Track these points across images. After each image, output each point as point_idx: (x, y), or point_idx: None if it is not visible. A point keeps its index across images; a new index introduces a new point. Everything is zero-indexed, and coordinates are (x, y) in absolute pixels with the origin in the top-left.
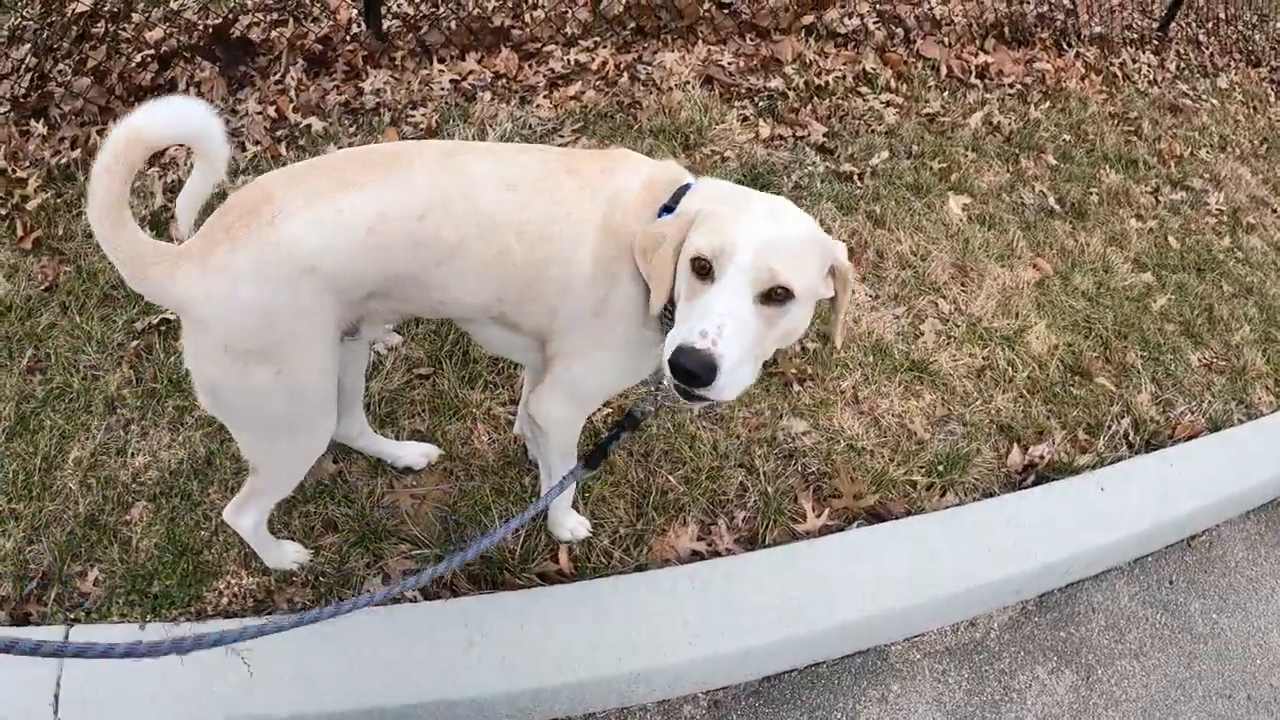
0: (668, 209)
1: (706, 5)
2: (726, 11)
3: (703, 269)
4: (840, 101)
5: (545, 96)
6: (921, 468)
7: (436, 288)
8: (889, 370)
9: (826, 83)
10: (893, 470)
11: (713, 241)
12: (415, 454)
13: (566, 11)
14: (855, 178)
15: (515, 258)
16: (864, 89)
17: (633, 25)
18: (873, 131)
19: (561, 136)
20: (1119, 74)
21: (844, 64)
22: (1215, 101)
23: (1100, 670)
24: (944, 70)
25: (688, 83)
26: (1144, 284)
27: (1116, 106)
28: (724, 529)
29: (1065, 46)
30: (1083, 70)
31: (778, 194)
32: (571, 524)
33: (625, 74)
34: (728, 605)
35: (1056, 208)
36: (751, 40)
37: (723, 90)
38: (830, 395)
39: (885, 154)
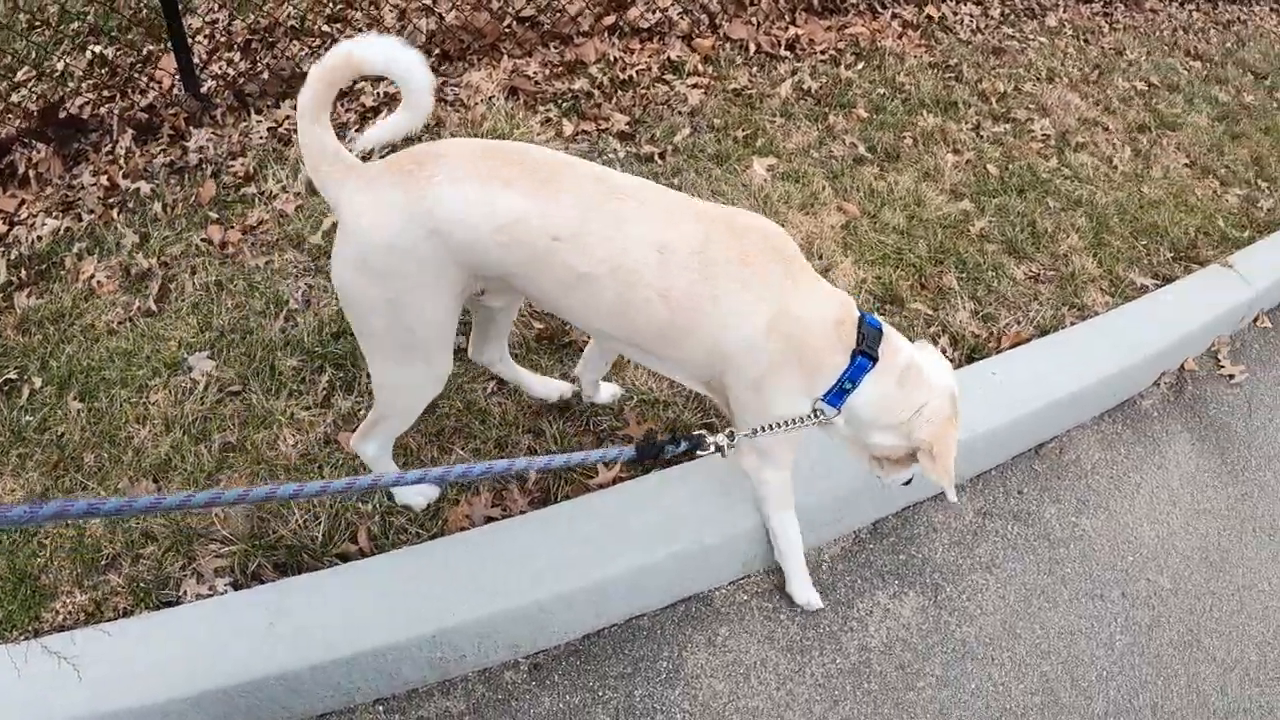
0: (865, 355)
1: (508, 22)
2: (528, 25)
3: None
4: (645, 91)
5: (357, 130)
6: (720, 413)
7: (560, 303)
8: None
9: (631, 76)
10: (687, 417)
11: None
12: (552, 389)
13: None
14: (656, 157)
15: (656, 312)
16: (669, 76)
17: (438, 51)
18: (677, 113)
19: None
20: (939, 27)
21: (649, 56)
22: (1044, 40)
23: (949, 587)
24: (753, 48)
25: (492, 97)
26: (961, 211)
27: (936, 57)
28: (516, 493)
29: (880, 8)
30: (899, 29)
31: None
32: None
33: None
34: (515, 563)
35: (867, 155)
36: (555, 48)
37: (527, 98)
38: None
39: (686, 131)
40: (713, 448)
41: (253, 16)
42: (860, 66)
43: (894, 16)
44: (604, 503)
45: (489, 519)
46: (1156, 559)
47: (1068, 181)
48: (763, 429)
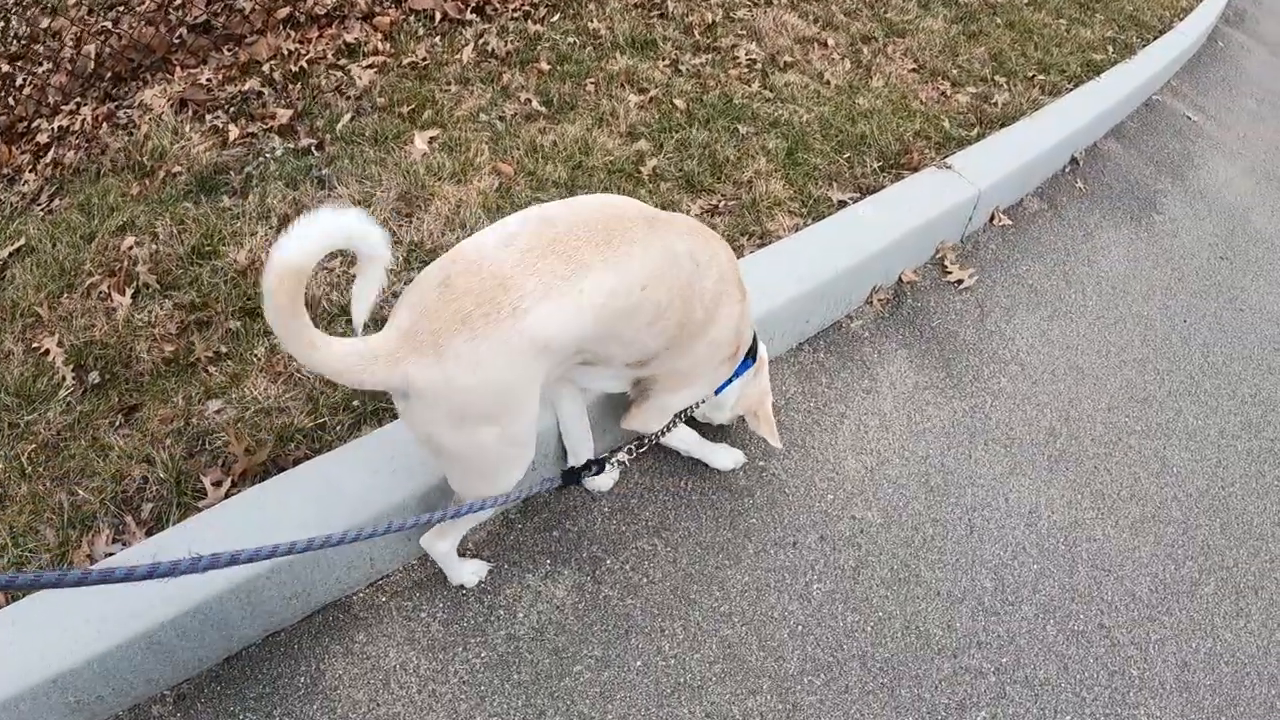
0: (750, 357)
1: (179, 32)
2: (200, 31)
3: None
4: (319, 80)
5: (30, 170)
6: (329, 407)
7: (633, 343)
8: (320, 321)
9: (302, 68)
10: (300, 420)
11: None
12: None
13: (46, 85)
14: (314, 149)
15: (696, 316)
16: (344, 61)
17: (110, 75)
18: (346, 98)
19: (39, 204)
20: None
21: (326, 43)
22: None
23: (610, 559)
24: (438, 16)
25: (161, 114)
26: (635, 153)
27: None
28: (133, 524)
29: None
30: None
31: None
32: (731, 455)
33: (104, 124)
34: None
35: (541, 110)
36: (230, 51)
37: (198, 108)
38: (245, 367)
39: (349, 116)
40: (619, 465)
41: None
42: (556, 18)
43: None
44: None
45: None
46: (863, 493)
47: (767, 105)
48: (668, 426)
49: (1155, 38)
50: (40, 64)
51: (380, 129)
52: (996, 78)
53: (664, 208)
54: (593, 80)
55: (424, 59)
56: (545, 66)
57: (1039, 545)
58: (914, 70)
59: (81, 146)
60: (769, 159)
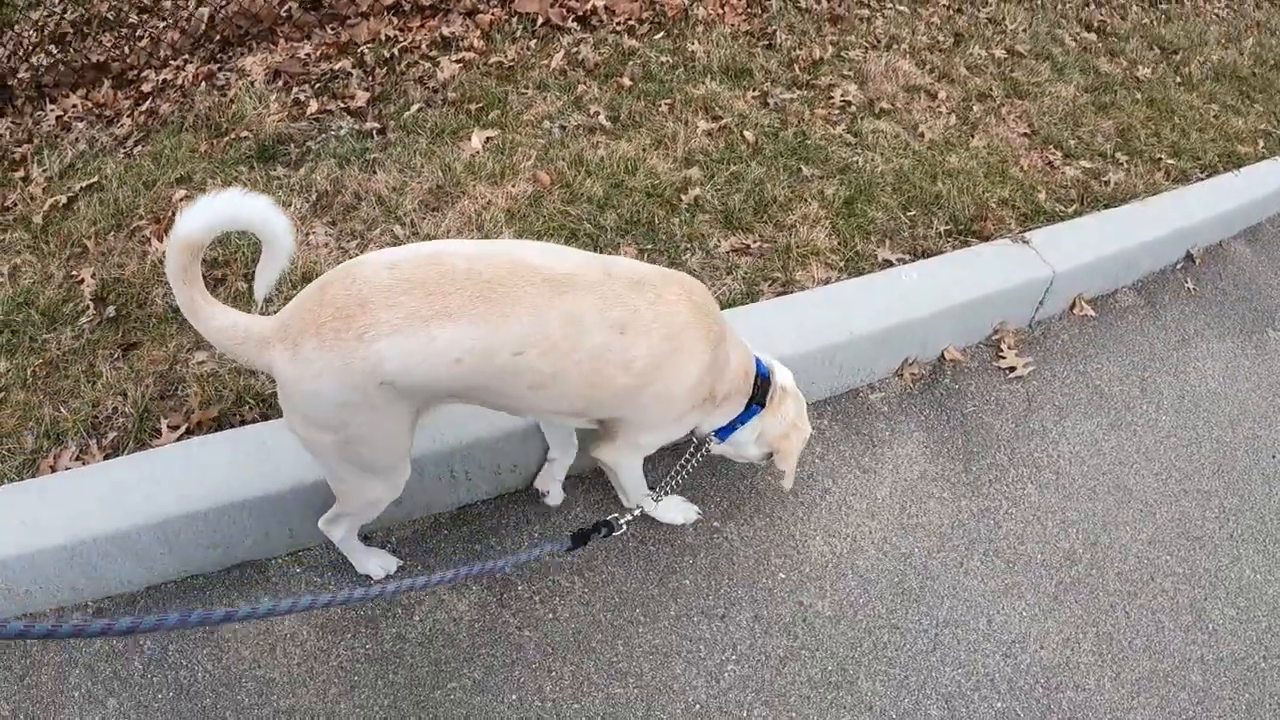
0: (757, 404)
1: (287, 5)
2: (308, 7)
3: None
4: (404, 69)
5: (129, 115)
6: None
7: (521, 400)
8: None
9: (394, 54)
10: (260, 385)
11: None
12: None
13: (160, 38)
14: (374, 133)
15: (619, 384)
16: (435, 52)
17: (219, 38)
18: (426, 88)
19: (124, 147)
20: None
21: (426, 33)
22: (904, 9)
23: (522, 586)
24: (539, 21)
25: (254, 81)
26: (683, 179)
27: (754, 26)
28: (95, 448)
29: None
30: None
31: (287, 160)
32: (683, 511)
33: (203, 82)
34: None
35: (606, 124)
36: (333, 29)
37: (289, 79)
38: None
39: (417, 106)
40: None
41: (80, 9)
42: (658, 36)
43: None
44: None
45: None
46: (820, 579)
47: (844, 149)
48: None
49: None
50: (164, 18)
51: (443, 122)
52: (1118, 155)
53: (692, 240)
54: (668, 101)
55: (513, 60)
56: (627, 82)
57: (1011, 681)
58: (1025, 135)
59: (177, 100)
60: (823, 205)
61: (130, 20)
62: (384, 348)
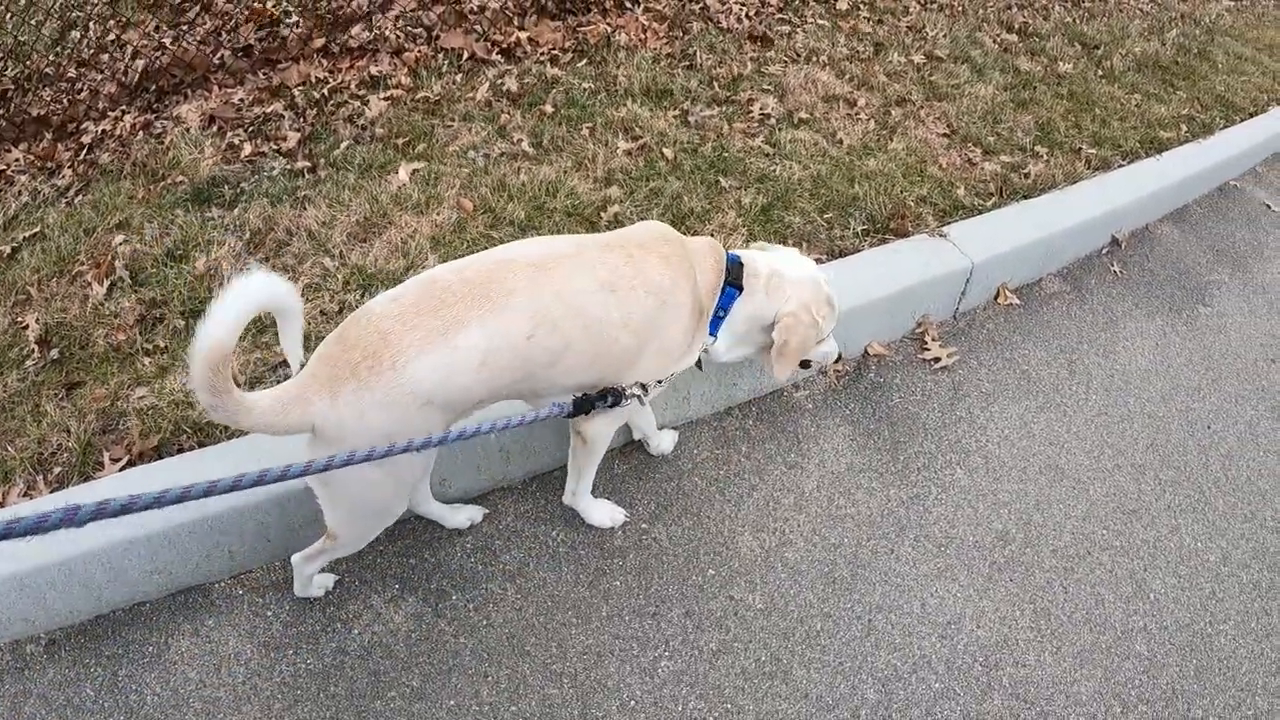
0: (733, 285)
1: (220, 53)
2: (241, 54)
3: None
4: (333, 109)
5: (70, 167)
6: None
7: (543, 381)
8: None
9: (323, 95)
10: (198, 415)
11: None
12: (462, 517)
13: (98, 90)
14: (308, 171)
15: (624, 344)
16: (364, 91)
17: (154, 88)
18: (356, 126)
19: (66, 197)
20: (699, 18)
21: (355, 73)
22: (825, 23)
23: (456, 595)
24: (465, 55)
25: (189, 128)
26: (603, 198)
27: (675, 48)
28: (42, 483)
29: (630, 5)
30: (646, 23)
31: (221, 201)
32: (610, 512)
33: (140, 131)
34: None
35: (529, 150)
36: (265, 74)
37: (223, 125)
38: (175, 362)
39: (346, 144)
40: (633, 398)
41: (20, 66)
42: (582, 64)
43: (646, 10)
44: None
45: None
46: (750, 573)
47: (762, 160)
48: (656, 382)
49: (1244, 120)
50: (101, 71)
51: (371, 158)
52: (1037, 148)
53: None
54: (589, 125)
55: (439, 94)
56: (549, 109)
57: (949, 661)
58: (944, 135)
59: (116, 150)
60: (740, 213)
61: (69, 74)
62: (417, 369)
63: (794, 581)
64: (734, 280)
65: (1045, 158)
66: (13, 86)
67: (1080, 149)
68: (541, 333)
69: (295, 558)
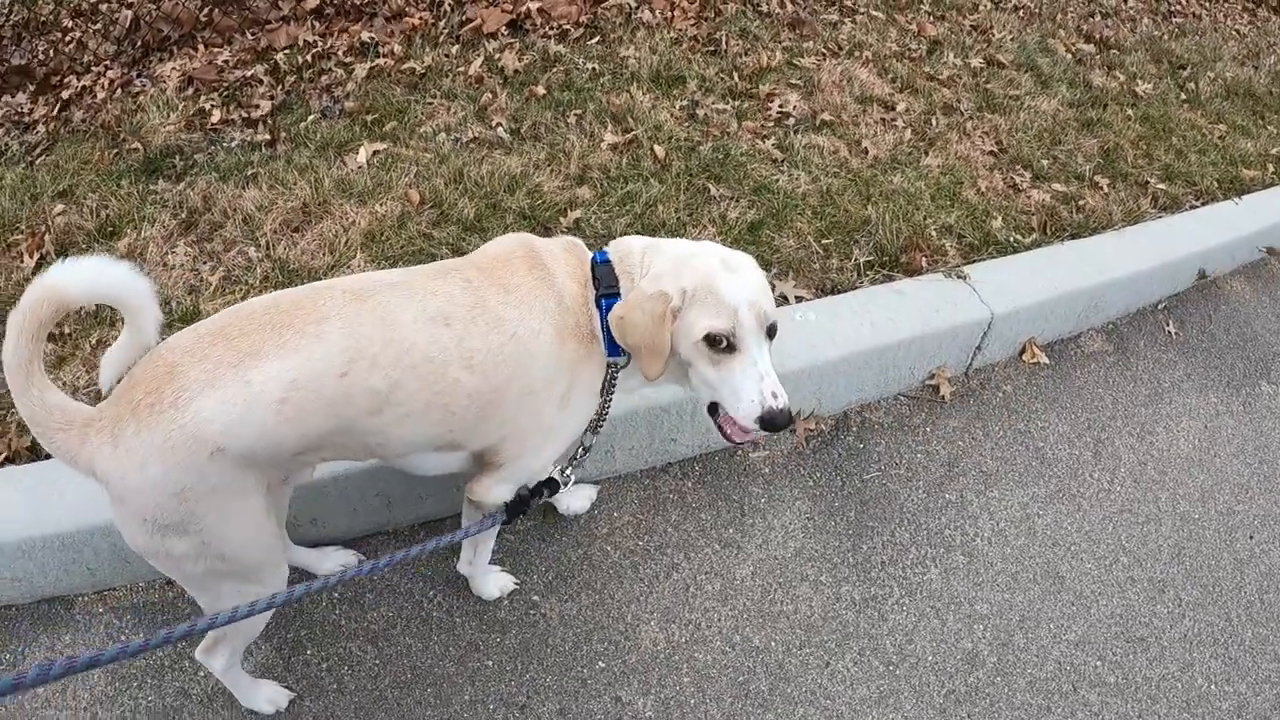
0: (607, 296)
1: (208, 9)
2: (229, 11)
3: (717, 341)
4: (317, 75)
5: (43, 124)
6: None
7: (372, 433)
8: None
9: (309, 60)
10: None
11: (720, 322)
12: (332, 564)
13: (86, 43)
14: (266, 145)
15: (468, 387)
16: (351, 59)
17: (140, 44)
18: (331, 96)
19: (32, 155)
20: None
21: (346, 38)
22: (880, 15)
23: (312, 650)
24: (469, 25)
25: (166, 89)
26: (569, 199)
27: (702, 31)
28: None
29: None
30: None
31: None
32: (499, 582)
33: (120, 89)
34: None
35: (505, 137)
36: (253, 34)
37: (200, 87)
38: (74, 352)
39: (314, 117)
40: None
41: (24, 11)
42: (594, 41)
43: None
44: None
45: None
46: (648, 672)
47: (768, 167)
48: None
49: None
50: (95, 21)
51: (334, 135)
52: (1097, 178)
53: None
54: (578, 112)
55: (427, 66)
56: (541, 91)
57: None
58: (990, 153)
59: (89, 108)
60: (721, 230)
61: (64, 24)
62: (201, 407)
63: (698, 689)
64: (609, 286)
65: (1105, 190)
66: (9, 35)
67: (1148, 183)
68: (359, 370)
69: (197, 651)
